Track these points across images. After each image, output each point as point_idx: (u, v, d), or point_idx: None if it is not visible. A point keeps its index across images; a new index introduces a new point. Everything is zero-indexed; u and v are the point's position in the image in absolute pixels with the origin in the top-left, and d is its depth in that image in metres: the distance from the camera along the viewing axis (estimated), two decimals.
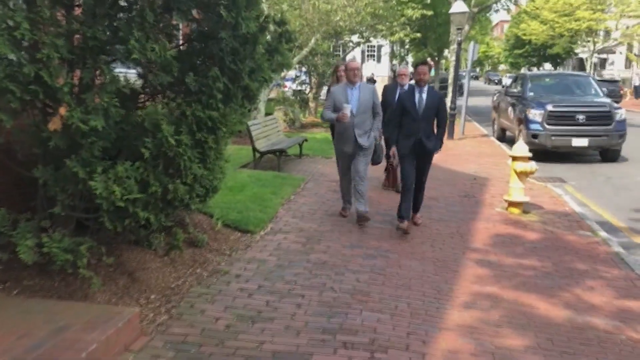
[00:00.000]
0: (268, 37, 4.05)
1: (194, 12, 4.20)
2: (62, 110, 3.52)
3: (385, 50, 39.26)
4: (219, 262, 4.98)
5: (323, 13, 14.85)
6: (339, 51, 25.73)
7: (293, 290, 4.48)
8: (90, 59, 3.67)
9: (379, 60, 44.04)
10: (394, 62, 41.55)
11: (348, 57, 29.10)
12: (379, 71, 39.96)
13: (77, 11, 3.90)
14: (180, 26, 4.93)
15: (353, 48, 23.41)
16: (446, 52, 33.14)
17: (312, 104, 19.38)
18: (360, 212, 6.35)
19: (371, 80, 30.04)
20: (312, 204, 7.22)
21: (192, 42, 4.41)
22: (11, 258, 3.89)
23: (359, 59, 38.08)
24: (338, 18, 15.25)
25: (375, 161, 7.11)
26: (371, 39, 21.45)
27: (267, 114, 14.05)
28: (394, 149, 6.27)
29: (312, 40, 15.53)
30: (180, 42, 4.66)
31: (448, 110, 12.50)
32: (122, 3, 3.74)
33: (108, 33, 3.67)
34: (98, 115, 3.52)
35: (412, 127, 6.11)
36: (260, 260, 5.12)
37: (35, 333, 3.20)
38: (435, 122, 6.29)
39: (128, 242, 4.68)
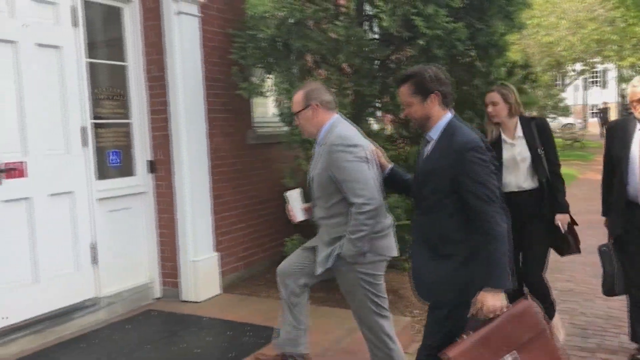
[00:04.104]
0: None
1: None
2: None
3: (612, 74, 36.29)
4: None
5: (544, 45, 14.69)
6: (559, 82, 24.69)
7: None
8: (365, 112, 4.53)
9: (604, 86, 40.81)
10: (624, 86, 38.07)
11: (569, 89, 27.23)
12: (605, 99, 36.94)
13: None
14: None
15: (575, 78, 22.33)
16: None
17: None
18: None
19: (603, 112, 26.62)
20: None
21: None
22: None
23: (580, 87, 35.45)
24: (560, 49, 14.93)
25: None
26: (597, 65, 20.29)
27: None
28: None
29: None
30: None
31: None
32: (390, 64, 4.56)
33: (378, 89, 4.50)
34: None
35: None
36: None
37: (334, 332, 4.02)
38: None
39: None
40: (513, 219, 3.59)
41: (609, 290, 3.85)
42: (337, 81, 4.41)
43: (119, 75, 4.72)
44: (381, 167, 2.97)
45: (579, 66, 20.01)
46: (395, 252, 3.06)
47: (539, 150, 3.64)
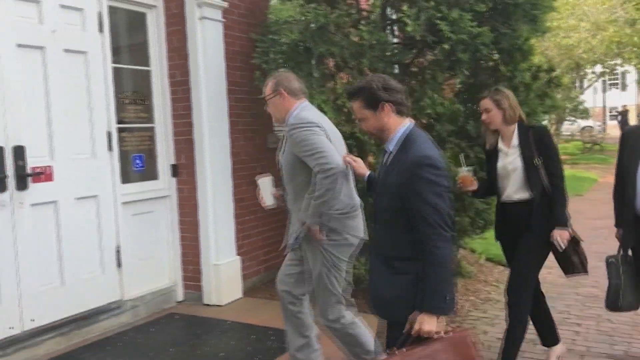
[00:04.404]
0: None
1: None
2: (370, 159, 4.40)
3: (632, 77, 35.82)
4: (489, 292, 5.39)
5: (563, 47, 14.56)
6: (577, 84, 24.41)
7: (568, 320, 4.67)
8: None
9: (623, 88, 40.31)
10: None
11: (588, 91, 26.96)
12: (624, 101, 36.50)
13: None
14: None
15: (595, 80, 22.08)
16: None
17: None
18: None
19: (622, 115, 26.39)
20: None
21: (458, 93, 5.03)
22: None
23: (599, 89, 35.17)
24: (580, 51, 14.78)
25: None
26: (617, 67, 20.05)
27: None
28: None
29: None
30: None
31: None
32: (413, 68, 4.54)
33: None
34: None
35: None
36: None
37: None
38: None
39: None
40: (509, 229, 3.51)
41: (612, 304, 3.60)
42: None
43: (143, 80, 4.77)
44: (360, 175, 2.98)
45: (598, 68, 19.80)
46: (362, 233, 3.09)
47: (535, 160, 3.35)
